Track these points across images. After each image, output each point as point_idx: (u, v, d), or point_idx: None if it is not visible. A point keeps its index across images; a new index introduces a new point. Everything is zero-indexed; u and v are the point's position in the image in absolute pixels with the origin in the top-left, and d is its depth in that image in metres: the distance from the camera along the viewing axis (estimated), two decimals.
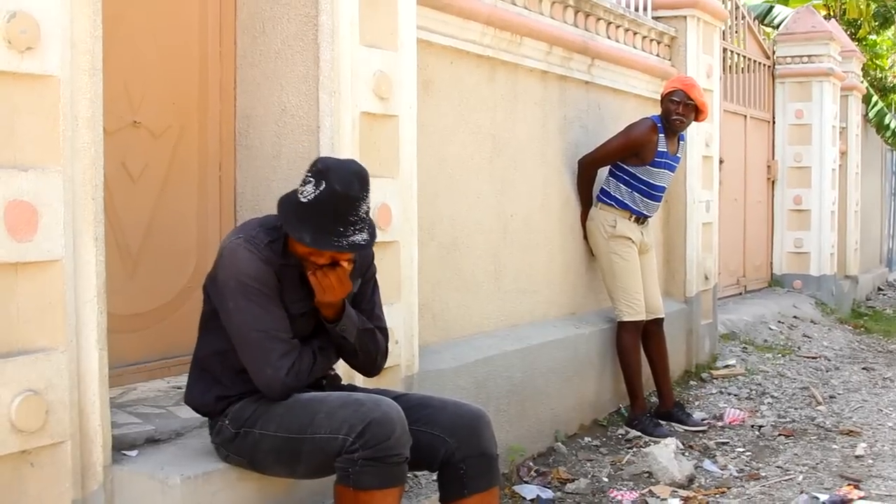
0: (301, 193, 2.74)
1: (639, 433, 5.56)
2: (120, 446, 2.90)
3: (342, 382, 3.11)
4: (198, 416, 3.11)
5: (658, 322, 5.93)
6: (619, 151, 5.74)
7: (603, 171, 5.88)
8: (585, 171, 5.85)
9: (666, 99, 5.73)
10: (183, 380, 3.53)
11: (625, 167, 5.71)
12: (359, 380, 3.30)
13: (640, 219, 5.77)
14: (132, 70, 3.40)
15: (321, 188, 2.70)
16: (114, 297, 2.88)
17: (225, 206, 3.76)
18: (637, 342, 5.81)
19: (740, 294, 10.01)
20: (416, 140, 3.99)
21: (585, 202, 5.88)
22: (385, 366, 3.38)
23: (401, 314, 3.88)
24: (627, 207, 5.72)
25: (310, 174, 2.75)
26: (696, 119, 5.78)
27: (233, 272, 2.77)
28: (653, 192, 5.74)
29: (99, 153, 2.68)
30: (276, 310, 2.79)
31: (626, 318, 5.71)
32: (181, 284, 3.63)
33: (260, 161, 3.75)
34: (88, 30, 2.63)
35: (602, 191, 5.81)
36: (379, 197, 3.72)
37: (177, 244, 3.62)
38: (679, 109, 5.65)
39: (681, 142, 5.93)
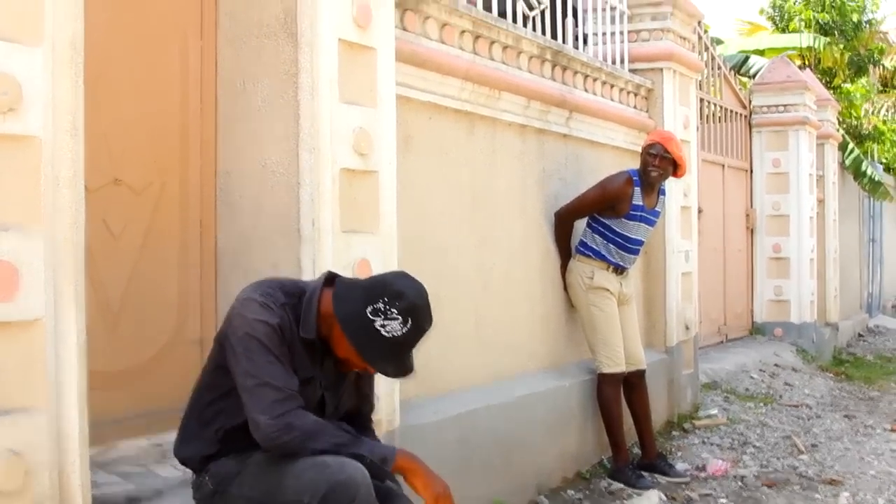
0: (384, 328, 2.73)
1: (622, 485, 5.55)
2: None
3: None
4: (179, 473, 3.10)
5: (640, 373, 5.94)
6: (594, 204, 5.79)
7: (581, 223, 5.91)
8: (562, 222, 5.88)
9: (644, 152, 5.79)
10: (164, 437, 3.53)
11: (601, 219, 5.75)
12: None
13: (619, 270, 5.80)
14: (113, 128, 3.42)
15: (408, 327, 2.75)
16: (94, 355, 2.87)
17: (206, 262, 3.77)
18: (618, 394, 5.81)
19: (721, 343, 10.05)
20: (397, 195, 4.01)
21: (564, 254, 5.91)
22: None
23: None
24: (604, 259, 5.75)
25: (395, 310, 2.74)
26: (675, 174, 5.83)
27: (244, 322, 2.77)
28: (629, 245, 5.77)
29: (80, 212, 2.69)
30: (280, 363, 2.77)
31: (606, 370, 5.72)
32: (162, 341, 3.63)
33: (241, 217, 3.77)
34: (70, 90, 2.65)
35: (580, 242, 5.84)
36: (359, 252, 3.75)
37: (158, 301, 3.62)
38: (656, 162, 5.70)
39: (661, 196, 5.97)
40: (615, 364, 5.72)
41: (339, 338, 2.79)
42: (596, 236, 5.76)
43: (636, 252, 5.89)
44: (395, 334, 2.73)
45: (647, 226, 5.86)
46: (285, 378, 2.76)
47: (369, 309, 2.74)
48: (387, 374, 2.87)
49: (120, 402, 3.47)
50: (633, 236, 5.77)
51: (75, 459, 2.67)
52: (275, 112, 3.70)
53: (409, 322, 2.74)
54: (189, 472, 3.04)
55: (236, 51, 3.80)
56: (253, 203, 3.74)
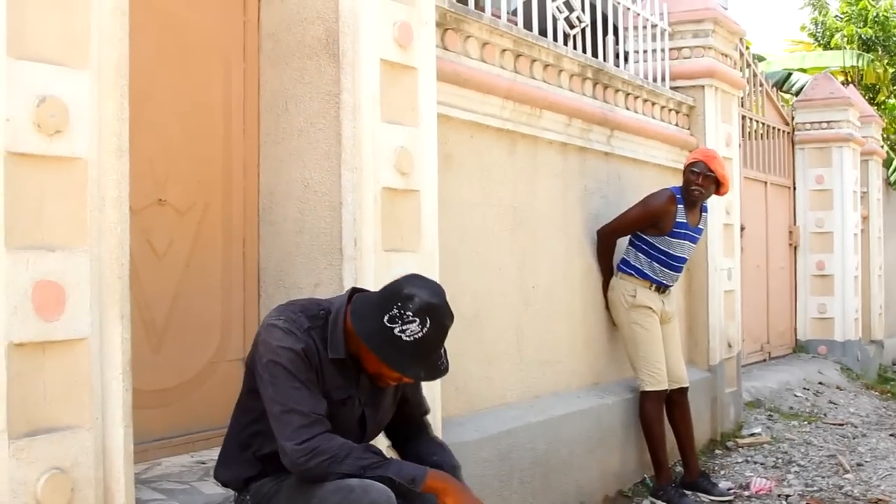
0: (404, 333, 2.71)
1: None
2: None
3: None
4: (221, 491, 3.12)
5: (682, 391, 5.90)
6: (637, 222, 5.77)
7: (623, 241, 5.90)
8: (604, 241, 5.87)
9: (687, 170, 5.77)
10: (207, 454, 3.57)
11: (644, 237, 5.73)
12: None
13: (661, 288, 5.77)
14: (158, 149, 3.47)
15: (427, 327, 2.72)
16: (139, 373, 2.91)
17: (249, 281, 3.81)
18: (660, 412, 5.78)
19: (764, 360, 9.96)
20: (438, 213, 4.03)
21: (606, 272, 5.90)
22: None
23: (424, 387, 3.88)
24: (647, 277, 5.73)
25: (410, 313, 2.71)
26: (717, 192, 5.80)
27: (267, 349, 2.77)
28: (672, 263, 5.75)
29: (125, 232, 2.73)
30: (306, 388, 2.77)
31: (648, 388, 5.70)
32: (205, 359, 3.67)
33: (283, 236, 3.80)
34: (116, 112, 2.69)
35: (622, 260, 5.83)
36: (400, 270, 3.73)
37: (201, 319, 3.66)
38: (699, 181, 5.68)
39: (703, 213, 5.94)
40: (657, 382, 5.69)
41: (367, 353, 2.79)
42: (639, 254, 5.74)
43: (679, 270, 5.86)
44: (416, 336, 2.71)
45: (690, 243, 5.83)
46: (311, 403, 2.75)
47: (386, 318, 2.72)
48: (421, 379, 2.85)
49: (164, 420, 3.52)
50: (676, 254, 5.75)
51: (120, 476, 2.70)
52: (317, 132, 3.73)
53: (428, 321, 2.72)
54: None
55: (279, 72, 3.83)
56: (295, 222, 3.77)
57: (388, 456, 2.86)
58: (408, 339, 2.71)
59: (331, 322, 2.83)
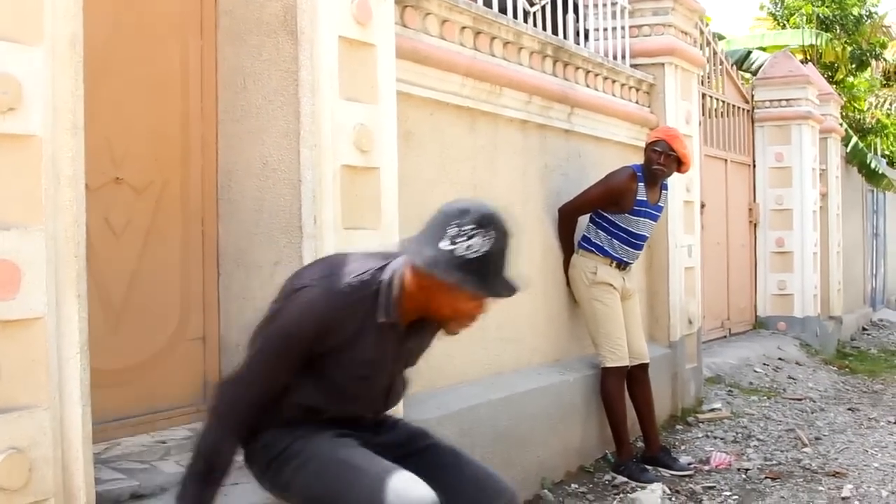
0: (469, 249, 2.55)
1: (625, 479, 5.55)
2: (104, 503, 2.90)
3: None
4: (180, 470, 3.09)
5: (643, 367, 5.94)
6: (598, 199, 5.79)
7: (584, 219, 5.92)
8: (565, 218, 5.89)
9: (649, 148, 5.80)
10: (168, 434, 3.57)
11: (605, 215, 5.76)
12: None
13: (622, 265, 5.80)
14: (114, 127, 3.43)
15: (492, 237, 2.57)
16: (97, 352, 2.89)
17: (208, 259, 3.79)
18: (621, 388, 5.82)
19: (725, 337, 10.05)
20: (398, 191, 4.02)
21: (567, 249, 5.91)
22: None
23: None
24: (608, 254, 5.75)
25: (469, 227, 2.55)
26: (679, 170, 5.83)
27: (285, 315, 2.65)
28: (633, 240, 5.78)
29: (81, 210, 2.71)
30: (271, 377, 2.68)
31: (609, 364, 5.73)
32: (165, 338, 3.64)
33: (242, 214, 3.78)
34: (70, 89, 2.66)
35: (583, 237, 5.85)
36: (360, 248, 3.75)
37: (160, 298, 3.63)
38: (660, 160, 5.71)
39: (663, 191, 5.97)
40: (618, 358, 5.73)
41: (436, 295, 2.63)
42: (599, 232, 5.77)
43: (640, 247, 5.89)
44: (483, 249, 2.56)
45: (650, 221, 5.86)
46: (258, 396, 2.68)
47: (446, 242, 2.55)
48: (501, 295, 2.66)
49: (123, 400, 3.49)
50: (637, 231, 5.78)
51: (78, 456, 2.69)
52: (276, 109, 3.71)
53: (490, 231, 2.57)
54: None
55: (236, 49, 3.81)
56: (254, 200, 3.75)
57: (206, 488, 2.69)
58: (476, 254, 2.55)
59: (384, 287, 2.68)
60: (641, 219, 5.78)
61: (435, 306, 2.68)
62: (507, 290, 2.67)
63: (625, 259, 5.79)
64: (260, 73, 3.75)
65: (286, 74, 3.69)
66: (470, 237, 2.55)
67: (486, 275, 2.59)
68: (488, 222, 2.57)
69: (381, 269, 2.71)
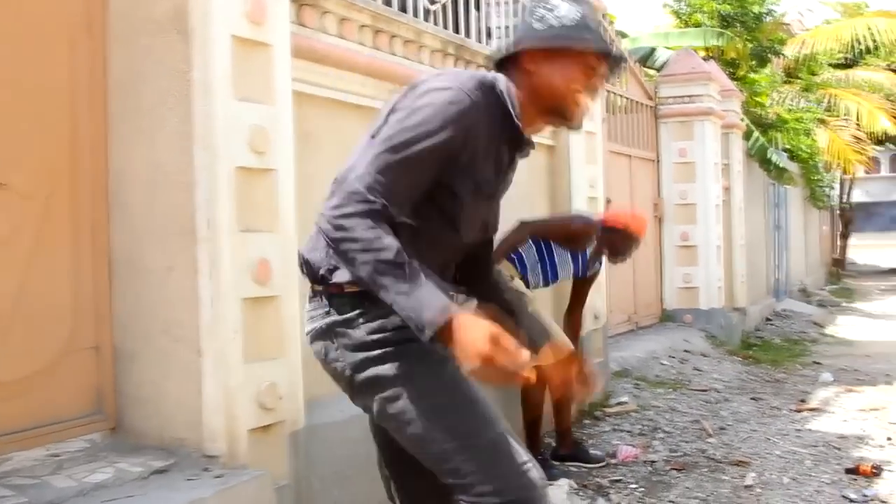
0: (561, 19, 2.47)
1: None
2: None
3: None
4: (75, 484, 3.02)
5: None
6: None
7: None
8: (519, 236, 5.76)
9: None
10: (62, 447, 3.47)
11: None
12: None
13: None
14: None
15: (577, 3, 2.50)
16: None
17: (98, 265, 3.68)
18: (544, 384, 5.79)
19: (632, 331, 10.16)
20: (298, 193, 3.96)
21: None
22: (268, 422, 3.35)
23: (284, 370, 3.83)
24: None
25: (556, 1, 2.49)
26: None
27: (427, 118, 2.36)
28: None
29: None
30: (416, 167, 2.36)
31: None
32: (56, 348, 3.53)
33: (134, 219, 3.68)
34: None
35: None
36: (257, 251, 3.69)
37: (50, 307, 3.52)
38: None
39: None
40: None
41: (560, 73, 2.49)
42: None
43: None
44: (575, 14, 2.48)
45: None
46: (401, 185, 2.36)
47: (535, 23, 2.49)
48: (620, 56, 2.57)
49: (14, 413, 3.38)
50: None
51: None
52: (167, 111, 3.63)
53: None
54: None
55: (126, 49, 3.71)
56: (146, 204, 3.66)
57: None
58: (572, 21, 2.47)
59: (504, 94, 2.53)
60: None
61: (556, 87, 2.51)
62: (617, 53, 2.57)
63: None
64: (151, 73, 3.65)
65: (178, 75, 3.60)
66: (554, 8, 2.49)
67: (588, 34, 2.50)
68: None
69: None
